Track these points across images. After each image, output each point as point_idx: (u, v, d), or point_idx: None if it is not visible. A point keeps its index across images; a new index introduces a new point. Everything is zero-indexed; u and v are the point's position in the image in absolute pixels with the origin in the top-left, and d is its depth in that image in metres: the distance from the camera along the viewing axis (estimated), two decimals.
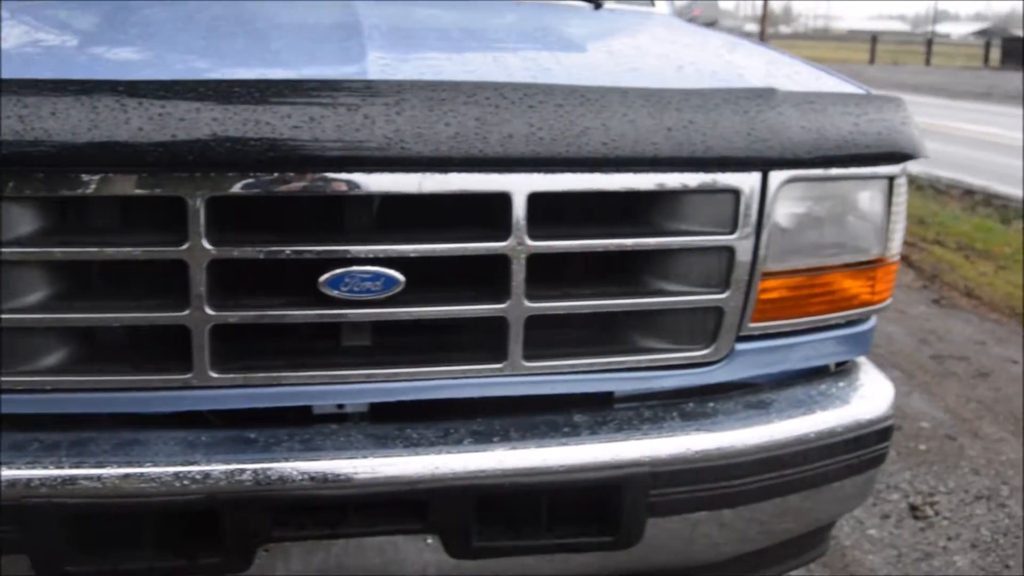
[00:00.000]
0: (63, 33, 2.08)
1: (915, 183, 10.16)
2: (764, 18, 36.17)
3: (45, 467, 1.49)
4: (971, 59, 45.76)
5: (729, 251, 1.65)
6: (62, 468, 1.49)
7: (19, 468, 1.48)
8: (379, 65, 1.64)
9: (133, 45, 1.86)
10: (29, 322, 1.51)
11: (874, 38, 43.10)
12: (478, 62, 1.82)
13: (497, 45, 2.03)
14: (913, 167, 8.58)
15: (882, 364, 4.19)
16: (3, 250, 1.46)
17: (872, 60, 40.15)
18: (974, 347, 4.65)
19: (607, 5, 2.81)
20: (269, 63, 1.71)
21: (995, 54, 44.37)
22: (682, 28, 2.51)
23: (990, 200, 9.28)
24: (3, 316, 1.49)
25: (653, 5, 3.02)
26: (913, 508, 3.00)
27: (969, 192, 9.79)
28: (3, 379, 1.52)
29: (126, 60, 1.77)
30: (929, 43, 44.54)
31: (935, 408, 3.83)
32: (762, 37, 38.06)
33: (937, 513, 2.97)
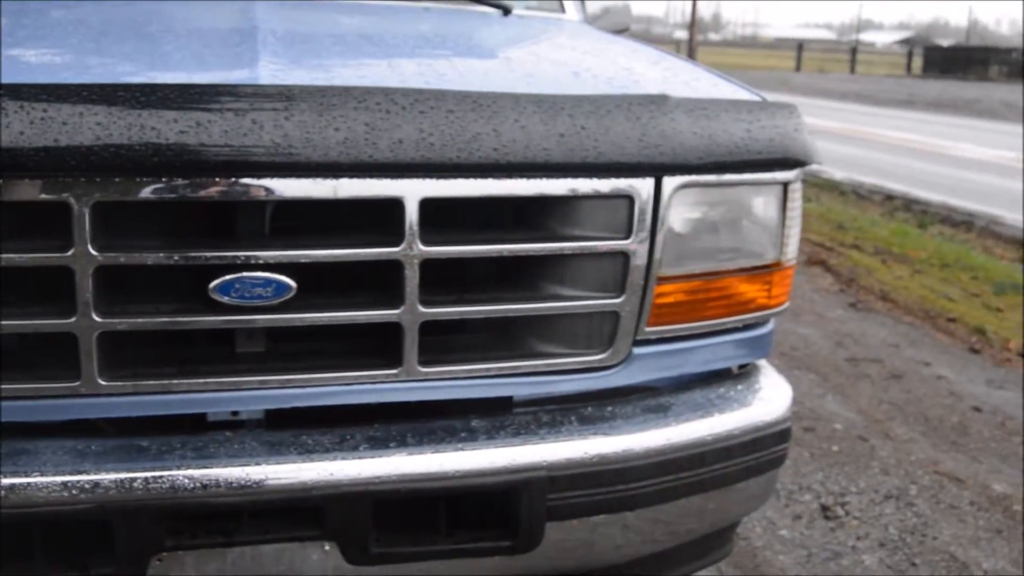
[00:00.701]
0: None
1: (838, 188, 10.37)
2: (692, 25, 36.52)
3: None
4: (894, 67, 46.79)
5: (624, 256, 1.67)
6: None
7: None
8: (270, 70, 1.63)
9: (21, 47, 1.83)
10: None
11: (800, 46, 43.74)
12: (372, 68, 1.81)
13: (395, 51, 2.03)
14: (836, 172, 8.76)
15: (798, 367, 4.31)
16: None
17: (799, 67, 40.81)
18: (888, 350, 4.74)
19: (516, 12, 2.83)
20: (158, 67, 1.70)
21: (917, 63, 45.35)
22: (587, 35, 2.53)
23: (909, 205, 9.48)
24: None
25: (563, 12, 3.04)
26: (824, 508, 3.05)
27: (890, 197, 9.99)
28: None
29: (11, 62, 1.74)
30: (854, 51, 45.41)
31: (848, 410, 3.90)
32: (691, 44, 38.53)
33: (847, 513, 3.02)
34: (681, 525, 1.81)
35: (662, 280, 1.71)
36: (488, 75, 1.85)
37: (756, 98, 1.86)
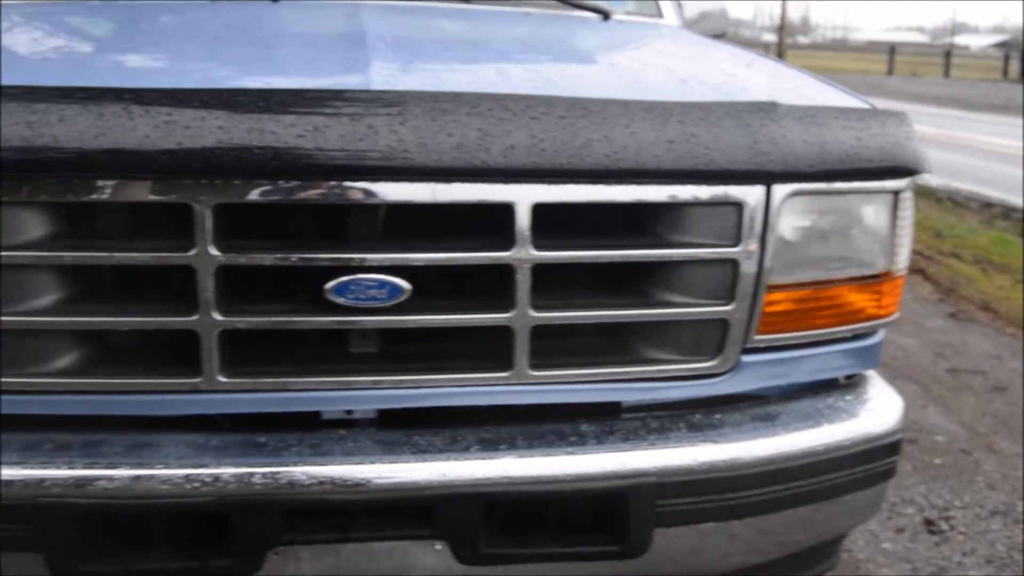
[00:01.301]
0: (71, 39, 2.11)
1: (934, 195, 10.13)
2: (782, 28, 36.11)
3: (58, 467, 1.52)
4: (990, 71, 45.58)
5: (733, 264, 1.66)
6: (75, 469, 1.52)
7: (33, 468, 1.51)
8: (383, 75, 1.66)
9: (140, 53, 1.89)
10: (38, 324, 1.54)
11: (892, 49, 42.94)
12: (481, 73, 1.84)
13: (501, 56, 2.05)
14: (932, 179, 8.56)
15: (898, 377, 4.22)
16: (14, 253, 1.50)
17: (891, 71, 40.03)
18: (990, 361, 4.62)
19: (615, 17, 2.83)
20: (274, 72, 1.74)
21: (1014, 67, 44.18)
22: (688, 40, 2.53)
23: (1008, 213, 9.23)
24: (13, 318, 1.52)
25: (661, 17, 3.03)
26: (928, 522, 2.98)
27: (987, 205, 9.74)
28: (16, 380, 1.55)
29: (133, 67, 1.80)
30: (948, 55, 44.39)
31: (951, 422, 3.81)
32: (780, 47, 38.11)
33: (952, 528, 2.95)
34: (788, 536, 1.80)
35: (772, 288, 1.71)
36: (596, 81, 1.87)
37: (865, 105, 1.84)
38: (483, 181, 1.53)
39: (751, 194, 1.64)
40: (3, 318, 1.51)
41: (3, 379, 1.54)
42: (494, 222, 1.57)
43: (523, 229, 1.55)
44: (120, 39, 2.01)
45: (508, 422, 1.66)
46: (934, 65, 44.74)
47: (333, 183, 1.50)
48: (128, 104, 1.47)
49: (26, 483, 1.50)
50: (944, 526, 2.97)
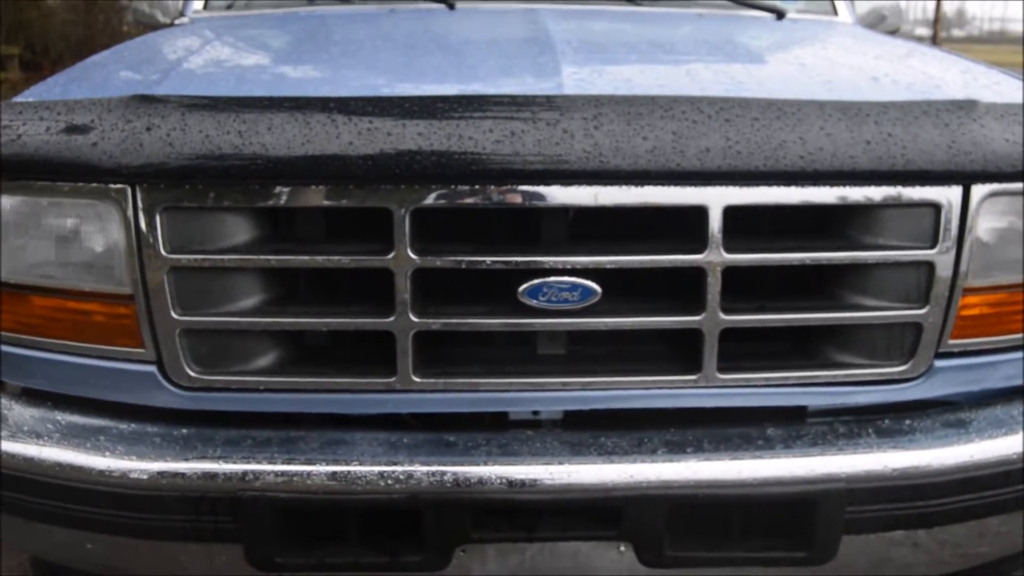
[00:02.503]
0: (272, 51, 2.19)
1: None
2: (937, 21, 34.82)
3: (259, 463, 1.58)
4: None
5: (929, 266, 1.63)
6: (275, 464, 1.57)
7: (235, 463, 1.58)
8: (575, 80, 1.67)
9: (338, 63, 1.95)
10: (245, 325, 1.60)
11: None
12: (670, 76, 1.84)
13: (686, 58, 2.05)
14: None
15: None
16: (222, 257, 1.56)
17: None
18: None
19: (790, 15, 2.80)
20: (468, 79, 1.77)
21: None
22: (869, 38, 2.48)
23: None
24: (222, 319, 1.59)
25: (836, 14, 2.99)
26: None
27: None
28: (220, 378, 1.62)
29: (333, 77, 1.85)
30: None
31: None
32: (934, 41, 36.92)
33: None
34: (974, 547, 1.74)
35: (968, 291, 1.66)
36: (787, 82, 1.85)
37: None
38: (677, 184, 1.54)
39: (949, 195, 1.61)
40: (215, 319, 1.59)
41: (209, 377, 1.62)
42: (686, 224, 1.57)
43: (715, 231, 1.55)
44: (316, 50, 2.07)
45: (694, 425, 1.66)
46: None
47: (529, 187, 1.52)
48: (332, 113, 1.52)
49: (229, 477, 1.56)
50: None
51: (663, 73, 1.86)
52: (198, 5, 2.91)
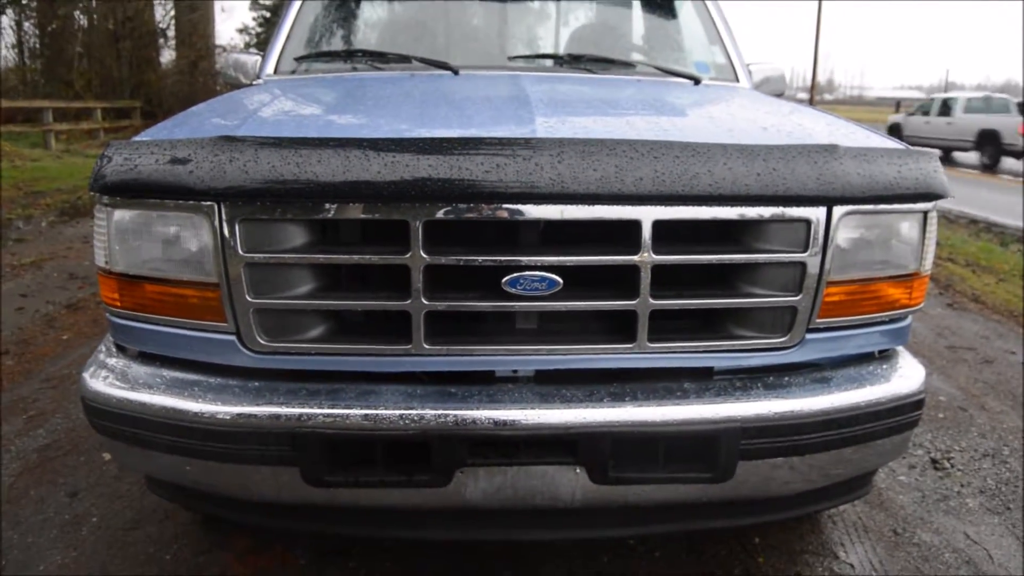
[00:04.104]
0: (322, 104, 2.18)
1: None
2: (813, 88, 34.83)
3: (311, 407, 1.57)
4: None
5: (802, 265, 1.63)
6: (323, 408, 1.57)
7: (295, 407, 1.57)
8: (545, 127, 1.67)
9: (371, 113, 1.94)
10: (301, 306, 1.60)
11: (898, 104, 40.97)
12: (615, 124, 1.82)
13: (627, 112, 2.04)
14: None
15: (908, 352, 4.03)
16: (283, 256, 1.56)
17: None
18: (980, 340, 4.40)
19: (704, 82, 2.79)
20: (466, 125, 1.76)
21: None
22: (762, 98, 2.47)
23: (990, 228, 8.79)
24: (283, 302, 1.58)
25: (738, 81, 2.98)
26: (934, 461, 2.87)
27: (974, 221, 9.28)
28: (282, 344, 1.61)
29: (367, 123, 1.84)
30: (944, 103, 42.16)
31: (950, 386, 3.65)
32: (811, 102, 36.97)
33: (953, 466, 2.82)
34: (834, 469, 1.75)
35: (830, 284, 1.67)
36: (699, 130, 1.84)
37: (901, 147, 1.77)
38: (618, 204, 1.53)
39: (817, 213, 1.61)
40: (278, 301, 1.58)
41: (274, 344, 1.61)
42: (625, 233, 1.57)
43: (647, 239, 1.55)
44: (355, 103, 2.06)
45: (631, 380, 1.66)
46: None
47: (510, 205, 1.52)
48: (365, 150, 1.51)
49: (290, 417, 1.56)
50: (946, 464, 2.84)
51: (610, 122, 1.85)
52: (270, 71, 2.89)
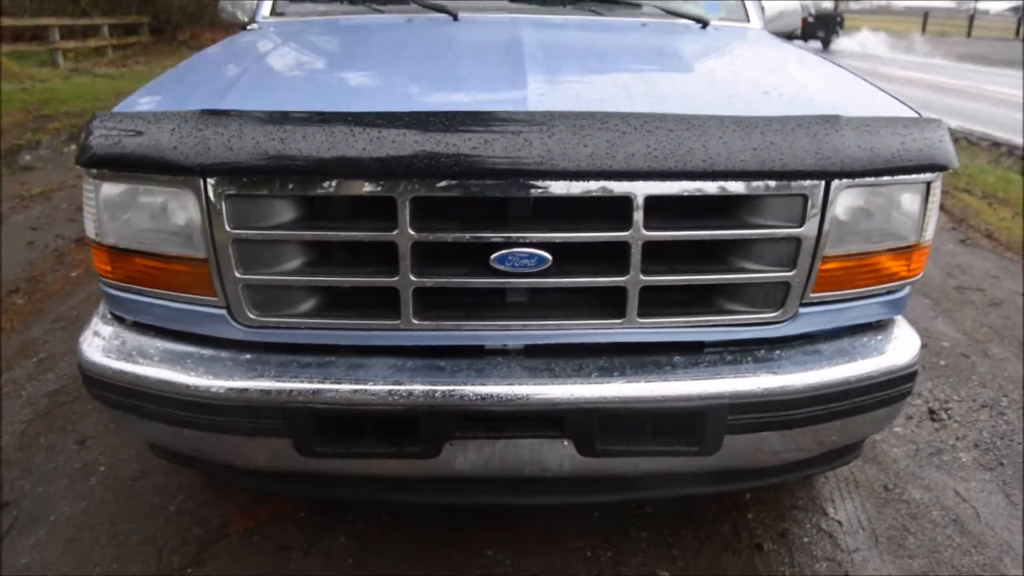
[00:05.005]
0: (313, 65, 2.12)
1: (952, 136, 9.45)
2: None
3: (301, 382, 1.58)
4: (1006, 32, 41.83)
5: (797, 240, 1.60)
6: (312, 383, 1.58)
7: (284, 381, 1.58)
8: (536, 95, 1.62)
9: (361, 72, 1.89)
10: (290, 282, 1.59)
11: (926, 14, 39.69)
12: (610, 91, 1.76)
13: (625, 70, 1.97)
14: (951, 121, 7.87)
15: (915, 292, 4.01)
16: (271, 232, 1.55)
17: (924, 31, 37.09)
18: (990, 280, 4.35)
19: (713, 23, 2.70)
20: (457, 88, 1.73)
21: None
22: (768, 48, 2.38)
23: (1012, 151, 8.56)
24: (273, 277, 1.58)
25: (748, 21, 2.88)
26: (931, 412, 2.88)
27: (996, 144, 9.04)
28: (273, 319, 1.62)
29: (356, 90, 1.79)
30: (971, 18, 40.83)
31: (954, 331, 3.63)
32: (836, 13, 35.99)
33: (950, 417, 2.84)
34: (825, 439, 1.76)
35: (826, 259, 1.64)
36: (698, 96, 1.78)
37: (910, 113, 1.72)
38: (609, 179, 1.50)
39: (814, 188, 1.57)
40: (266, 277, 1.58)
41: (265, 318, 1.61)
42: (616, 208, 1.54)
43: (638, 215, 1.53)
44: (345, 64, 2.01)
45: (620, 354, 1.66)
46: (959, 26, 41.22)
47: (498, 182, 1.49)
48: (351, 125, 1.48)
49: (280, 392, 1.57)
50: (943, 416, 2.85)
51: (604, 87, 1.79)
52: (265, 12, 2.82)
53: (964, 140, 9.30)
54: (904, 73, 17.54)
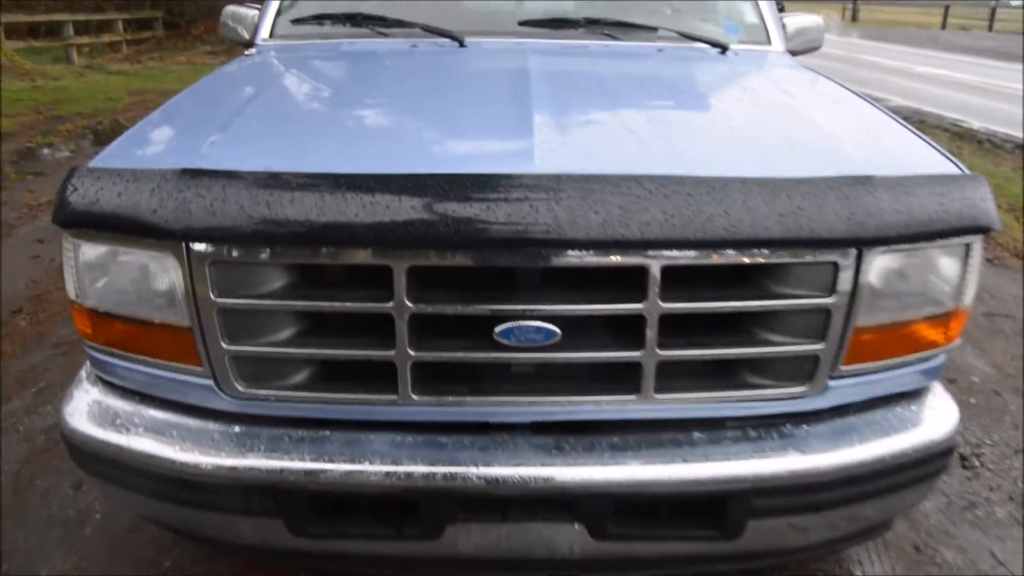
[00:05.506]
0: (307, 100, 2.01)
1: (975, 137, 9.23)
2: None
3: (293, 460, 1.48)
4: None
5: (827, 311, 1.48)
6: (305, 461, 1.48)
7: (275, 459, 1.49)
8: (544, 148, 1.50)
9: (359, 114, 1.79)
10: (280, 354, 1.49)
11: (947, 8, 38.86)
12: (624, 146, 1.62)
13: (639, 111, 1.85)
14: (974, 122, 7.59)
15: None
16: (259, 302, 1.44)
17: (944, 25, 36.47)
18: (1020, 306, 4.18)
19: (732, 47, 2.56)
20: (459, 135, 1.66)
21: None
22: (793, 81, 2.24)
23: None
24: (262, 348, 1.47)
25: (770, 43, 2.74)
26: (963, 459, 2.73)
27: (1020, 147, 8.80)
28: (263, 392, 1.51)
29: (350, 146, 1.66)
30: (992, 11, 40.08)
31: (984, 363, 3.47)
32: (854, 3, 35.56)
33: (982, 464, 2.69)
34: (856, 518, 1.64)
35: (858, 330, 1.52)
36: (718, 151, 1.63)
37: (949, 167, 1.59)
38: (623, 249, 1.38)
39: (845, 255, 1.45)
40: (254, 348, 1.47)
41: (253, 390, 1.51)
42: (630, 279, 1.42)
43: (654, 286, 1.41)
44: (345, 99, 1.90)
45: (634, 430, 1.54)
46: (980, 19, 40.53)
47: (501, 252, 1.38)
48: (342, 188, 1.37)
49: (271, 471, 1.47)
50: (976, 462, 2.71)
51: (616, 139, 1.65)
52: (265, 34, 2.71)
53: (988, 142, 9.06)
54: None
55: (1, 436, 2.73)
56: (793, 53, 2.81)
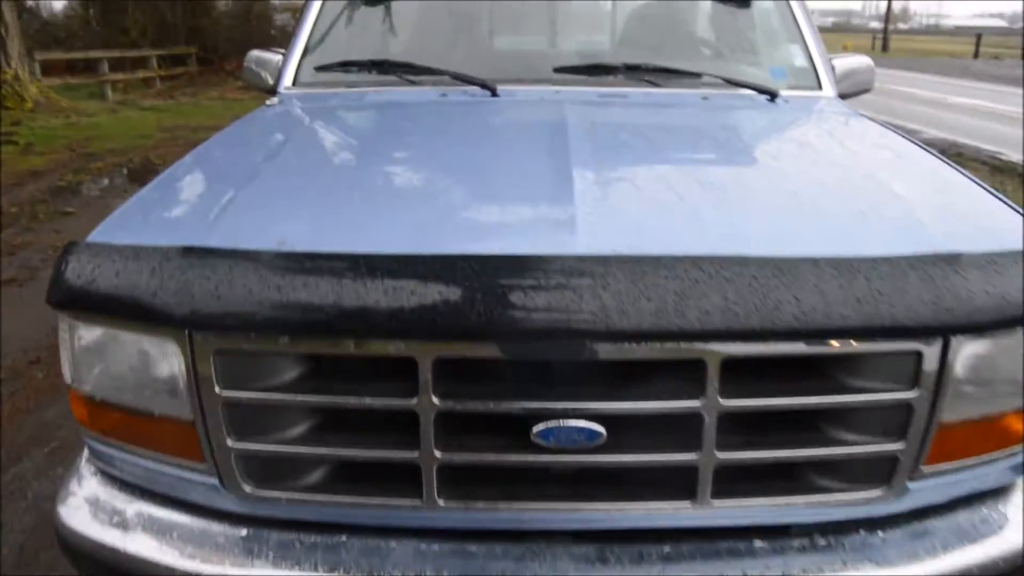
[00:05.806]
0: (328, 159, 1.88)
1: (1015, 171, 8.96)
2: (887, 19, 33.24)
3: (304, 569, 1.33)
4: None
5: (908, 406, 1.30)
6: (317, 571, 1.33)
7: (284, 568, 1.33)
8: (585, 223, 1.34)
9: (379, 184, 1.64)
10: (292, 453, 1.33)
11: (979, 37, 38.51)
12: (674, 213, 1.47)
13: (689, 173, 1.69)
14: (1013, 155, 7.34)
15: None
16: (269, 396, 1.29)
17: (976, 55, 36.04)
18: None
19: (782, 93, 2.40)
20: (491, 201, 1.50)
21: None
22: (851, 132, 2.07)
23: None
24: (270, 447, 1.32)
25: (820, 88, 2.57)
26: None
27: None
28: (272, 493, 1.35)
29: (373, 209, 1.52)
30: None
31: None
32: (885, 33, 35.38)
33: None
34: None
35: (942, 426, 1.33)
36: (781, 223, 1.45)
37: None
38: (678, 341, 1.22)
39: (930, 343, 1.27)
40: (262, 446, 1.32)
41: (262, 491, 1.35)
42: (686, 372, 1.25)
43: (713, 381, 1.24)
44: (364, 160, 1.75)
45: (688, 538, 1.36)
46: (1013, 48, 39.98)
47: (540, 344, 1.22)
48: (361, 271, 1.22)
49: None
50: None
51: (666, 209, 1.47)
52: (288, 82, 2.60)
53: (1013, 171, 8.77)
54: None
55: (5, 504, 2.60)
56: (843, 96, 2.64)
